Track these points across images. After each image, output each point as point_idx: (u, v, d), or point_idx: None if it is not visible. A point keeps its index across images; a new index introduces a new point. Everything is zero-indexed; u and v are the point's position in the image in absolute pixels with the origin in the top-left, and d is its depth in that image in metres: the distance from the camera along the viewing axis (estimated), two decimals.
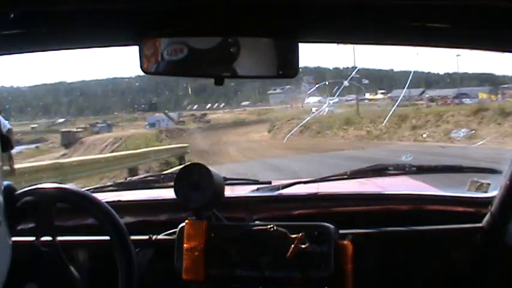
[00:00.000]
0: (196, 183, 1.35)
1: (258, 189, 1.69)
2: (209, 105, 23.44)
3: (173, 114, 22.01)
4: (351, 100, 19.78)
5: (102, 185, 1.75)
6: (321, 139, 16.34)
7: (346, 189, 1.76)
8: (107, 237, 1.27)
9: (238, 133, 19.71)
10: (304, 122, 19.02)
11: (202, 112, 22.82)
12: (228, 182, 1.58)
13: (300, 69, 1.15)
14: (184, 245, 1.36)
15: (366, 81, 17.91)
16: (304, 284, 1.33)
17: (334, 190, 1.71)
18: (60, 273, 1.23)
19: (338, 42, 1.29)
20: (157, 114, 21.33)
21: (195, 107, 22.86)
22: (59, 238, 1.25)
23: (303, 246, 1.32)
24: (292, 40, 1.13)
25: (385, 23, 1.13)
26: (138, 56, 1.13)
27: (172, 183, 1.39)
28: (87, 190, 1.60)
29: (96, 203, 1.29)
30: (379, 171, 1.80)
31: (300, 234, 1.32)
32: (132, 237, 1.28)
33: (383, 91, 21.77)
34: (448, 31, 1.13)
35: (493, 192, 1.52)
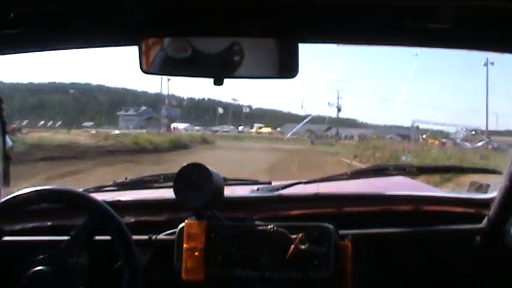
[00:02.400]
0: (195, 183, 1.35)
1: (258, 190, 1.68)
2: (42, 122, 18.30)
3: None
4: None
5: (102, 184, 1.75)
6: None
7: (346, 189, 1.76)
8: (107, 237, 1.27)
9: None
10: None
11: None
12: (228, 182, 1.58)
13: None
14: (184, 245, 1.36)
15: (247, 110, 17.73)
16: (304, 284, 1.33)
17: (334, 191, 1.70)
18: None
19: (338, 43, 1.29)
20: None
21: (25, 122, 17.00)
22: (60, 238, 1.26)
23: (303, 246, 1.32)
24: (292, 41, 1.13)
25: (385, 23, 1.13)
26: (138, 56, 1.13)
27: (172, 183, 1.39)
28: (86, 190, 1.60)
29: (95, 202, 1.29)
30: (379, 171, 1.80)
31: (300, 234, 1.32)
32: (132, 237, 1.28)
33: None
34: (448, 31, 1.13)
35: (493, 193, 1.52)
